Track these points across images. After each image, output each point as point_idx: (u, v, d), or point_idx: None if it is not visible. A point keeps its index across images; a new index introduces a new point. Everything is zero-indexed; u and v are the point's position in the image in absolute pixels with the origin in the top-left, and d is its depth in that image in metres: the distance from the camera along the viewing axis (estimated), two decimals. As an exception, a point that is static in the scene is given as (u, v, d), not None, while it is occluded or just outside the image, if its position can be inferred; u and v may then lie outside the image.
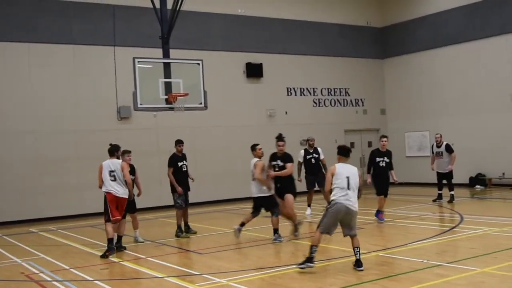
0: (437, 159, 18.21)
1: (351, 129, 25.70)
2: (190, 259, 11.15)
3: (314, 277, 8.66)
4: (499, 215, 14.59)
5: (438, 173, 18.21)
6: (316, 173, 16.59)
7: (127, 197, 12.04)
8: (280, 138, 13.11)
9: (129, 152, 13.22)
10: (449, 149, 17.98)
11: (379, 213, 14.42)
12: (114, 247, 11.80)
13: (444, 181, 18.01)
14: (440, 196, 18.10)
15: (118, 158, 12.36)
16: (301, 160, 16.85)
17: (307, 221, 15.17)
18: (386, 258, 9.86)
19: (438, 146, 18.20)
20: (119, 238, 12.24)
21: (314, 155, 16.70)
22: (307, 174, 16.81)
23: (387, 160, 14.35)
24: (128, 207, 12.69)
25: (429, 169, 18.51)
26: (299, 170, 16.80)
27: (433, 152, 18.46)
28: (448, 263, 9.08)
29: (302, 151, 17.00)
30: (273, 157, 12.98)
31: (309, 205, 16.89)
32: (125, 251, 11.96)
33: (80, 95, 19.66)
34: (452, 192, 17.72)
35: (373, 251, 10.45)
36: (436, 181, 18.30)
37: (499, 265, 8.84)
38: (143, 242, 13.11)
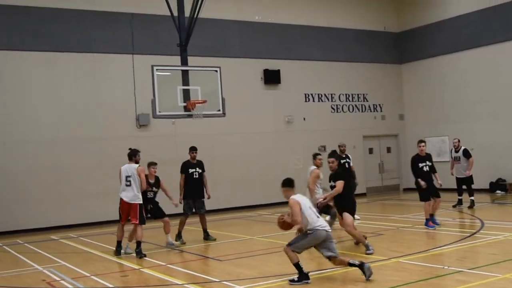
0: (456, 164, 18.14)
1: (370, 134, 25.62)
2: (210, 266, 11.17)
3: (334, 284, 8.63)
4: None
5: (457, 178, 18.12)
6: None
7: (140, 202, 12.16)
8: (332, 154, 12.40)
9: (155, 164, 13.39)
10: (466, 154, 17.87)
11: (428, 220, 13.85)
12: (120, 249, 12.46)
13: (464, 187, 17.90)
14: (460, 202, 17.99)
15: (136, 162, 12.51)
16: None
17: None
18: (407, 265, 9.80)
19: (456, 151, 18.13)
20: (138, 243, 12.29)
21: (347, 160, 16.71)
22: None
23: (429, 164, 14.14)
24: (156, 212, 12.92)
25: (449, 174, 18.39)
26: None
27: (452, 157, 18.38)
28: (469, 269, 9.01)
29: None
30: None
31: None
32: (145, 258, 11.99)
33: (99, 103, 19.80)
34: (472, 198, 17.60)
35: (393, 258, 10.39)
36: (456, 187, 18.21)
37: (521, 271, 8.76)
38: (173, 245, 13.27)
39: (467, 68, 23.66)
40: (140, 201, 12.29)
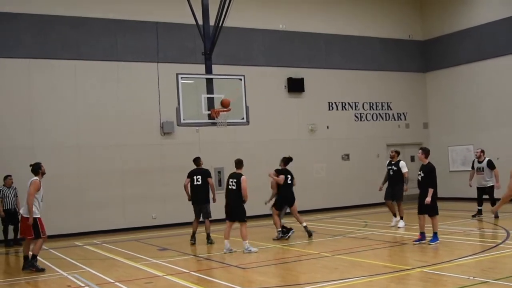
0: (478, 175, 17.92)
1: (393, 143, 25.45)
2: (233, 274, 11.18)
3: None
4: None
5: (478, 188, 17.91)
6: (392, 185, 16.58)
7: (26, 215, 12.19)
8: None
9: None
10: (491, 165, 17.67)
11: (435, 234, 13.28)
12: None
13: (486, 196, 17.69)
14: (480, 212, 17.80)
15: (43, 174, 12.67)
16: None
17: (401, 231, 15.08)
18: (431, 275, 9.73)
19: (480, 162, 17.91)
20: (33, 256, 12.33)
21: (394, 167, 16.60)
22: (388, 186, 16.89)
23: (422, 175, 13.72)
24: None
25: (473, 183, 18.19)
26: (385, 180, 17.04)
27: (473, 167, 18.21)
28: (495, 280, 8.92)
29: (387, 162, 17.14)
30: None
31: (394, 215, 16.96)
32: (168, 265, 12.04)
33: (124, 111, 19.97)
34: None
35: (418, 267, 10.32)
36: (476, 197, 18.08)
37: (548, 282, 8.65)
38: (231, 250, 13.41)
39: (491, 76, 23.47)
40: (26, 214, 12.21)
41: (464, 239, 13.58)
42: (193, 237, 15.40)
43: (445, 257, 11.34)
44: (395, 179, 16.44)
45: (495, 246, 12.34)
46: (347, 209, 23.27)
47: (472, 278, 9.08)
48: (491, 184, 17.56)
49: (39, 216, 12.22)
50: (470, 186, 18.28)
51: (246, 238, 13.33)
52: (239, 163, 13.95)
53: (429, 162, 13.29)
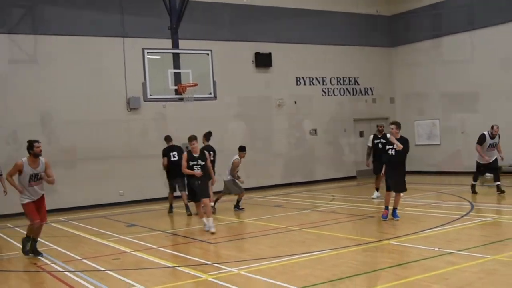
0: (490, 151, 16.83)
1: (361, 118, 25.62)
2: (201, 249, 11.18)
3: (325, 266, 8.67)
4: (509, 203, 14.57)
5: (484, 165, 16.97)
6: (380, 159, 16.61)
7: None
8: None
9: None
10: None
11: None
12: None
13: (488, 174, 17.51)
14: (474, 187, 17.17)
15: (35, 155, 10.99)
16: (370, 145, 16.90)
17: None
18: (397, 247, 9.85)
19: (494, 137, 16.79)
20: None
21: (382, 140, 16.55)
22: (374, 159, 16.81)
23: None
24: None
25: (438, 157, 18.15)
26: (368, 154, 16.92)
27: (480, 143, 16.84)
28: (459, 250, 9.07)
29: (372, 136, 17.05)
30: None
31: (376, 189, 17.01)
32: (135, 241, 11.99)
33: (89, 86, 19.67)
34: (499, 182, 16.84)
35: (385, 240, 10.44)
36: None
37: (511, 252, 8.82)
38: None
39: (457, 51, 23.66)
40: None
41: (429, 212, 13.76)
42: (171, 208, 16.46)
43: (411, 229, 11.48)
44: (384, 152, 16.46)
45: (460, 218, 12.54)
46: (315, 184, 23.41)
47: (437, 249, 9.21)
48: (495, 157, 16.99)
49: (25, 202, 10.93)
50: (488, 161, 16.86)
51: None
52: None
53: (401, 136, 13.11)
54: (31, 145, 10.84)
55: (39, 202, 11.13)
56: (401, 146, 12.52)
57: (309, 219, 13.69)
